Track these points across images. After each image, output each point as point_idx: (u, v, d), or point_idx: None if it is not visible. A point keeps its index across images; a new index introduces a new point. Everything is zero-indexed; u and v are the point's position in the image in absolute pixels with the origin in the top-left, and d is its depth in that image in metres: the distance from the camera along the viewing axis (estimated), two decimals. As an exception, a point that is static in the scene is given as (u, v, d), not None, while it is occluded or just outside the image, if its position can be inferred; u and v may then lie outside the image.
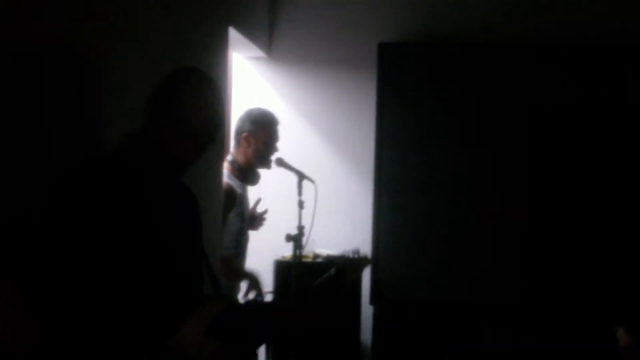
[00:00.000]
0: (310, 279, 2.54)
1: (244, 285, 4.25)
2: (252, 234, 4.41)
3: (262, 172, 4.35)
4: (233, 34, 4.42)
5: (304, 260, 4.55)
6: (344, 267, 3.43)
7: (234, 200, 4.12)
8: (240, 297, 4.21)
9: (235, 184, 4.19)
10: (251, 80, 5.47)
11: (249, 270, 4.26)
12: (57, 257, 1.98)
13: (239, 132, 4.29)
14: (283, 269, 4.67)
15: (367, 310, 5.06)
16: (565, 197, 4.93)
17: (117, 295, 2.01)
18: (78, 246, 1.99)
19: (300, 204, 3.93)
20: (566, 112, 4.95)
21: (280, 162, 4.19)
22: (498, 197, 4.98)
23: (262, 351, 4.66)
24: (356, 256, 3.70)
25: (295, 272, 3.77)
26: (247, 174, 4.27)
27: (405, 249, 5.02)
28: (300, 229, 3.77)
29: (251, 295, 4.17)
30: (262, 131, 4.27)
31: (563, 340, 4.83)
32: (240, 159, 4.27)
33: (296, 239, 3.73)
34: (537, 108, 4.96)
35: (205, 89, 2.26)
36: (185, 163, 2.30)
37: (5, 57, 2.01)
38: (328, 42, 5.42)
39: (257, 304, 2.63)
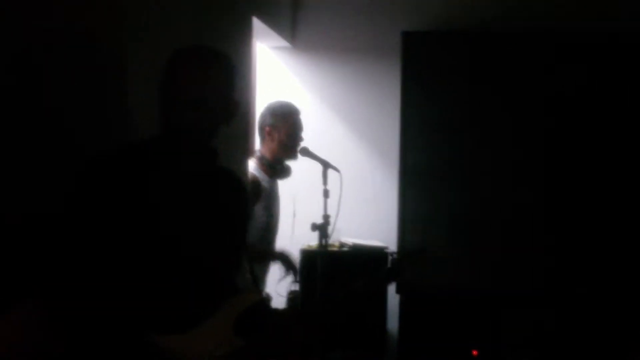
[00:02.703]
0: (349, 280, 2.46)
1: (274, 271, 4.27)
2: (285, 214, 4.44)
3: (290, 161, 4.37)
4: (257, 23, 4.42)
5: (330, 249, 4.55)
6: (399, 262, 3.34)
7: (260, 193, 4.13)
8: (276, 283, 4.22)
9: (262, 177, 4.20)
10: (275, 70, 5.48)
11: (279, 250, 4.28)
12: (74, 249, 1.98)
13: (261, 127, 4.31)
14: (309, 258, 4.67)
15: (393, 299, 5.06)
16: (588, 183, 4.92)
17: (135, 284, 2.01)
18: (91, 238, 1.98)
19: (326, 193, 3.92)
20: (587, 101, 4.92)
21: (305, 152, 4.18)
22: (525, 185, 4.96)
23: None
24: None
25: (322, 261, 3.77)
26: (275, 168, 4.28)
27: (431, 237, 5.00)
28: (326, 218, 3.76)
29: (287, 281, 4.19)
30: (283, 123, 4.28)
31: (581, 323, 4.83)
32: (267, 153, 4.29)
33: (322, 228, 3.73)
34: (560, 96, 4.94)
35: (195, 64, 2.15)
36: (196, 137, 2.17)
37: (25, 49, 2.03)
38: (351, 31, 5.42)
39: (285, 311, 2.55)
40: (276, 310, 2.47)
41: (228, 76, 2.20)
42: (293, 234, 4.52)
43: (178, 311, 2.06)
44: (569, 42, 4.96)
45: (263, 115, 4.34)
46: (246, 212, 2.43)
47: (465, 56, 5.04)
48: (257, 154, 4.31)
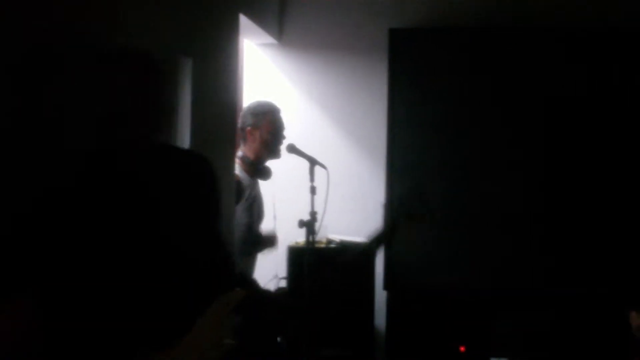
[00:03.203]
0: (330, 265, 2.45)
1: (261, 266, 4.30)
2: (266, 215, 4.45)
3: (274, 160, 4.38)
4: (243, 20, 4.42)
5: (318, 245, 4.55)
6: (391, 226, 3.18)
7: (241, 192, 4.14)
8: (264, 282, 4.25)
9: (244, 177, 4.21)
10: (262, 67, 5.47)
11: (266, 233, 4.32)
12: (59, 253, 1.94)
13: (242, 128, 4.34)
14: (297, 254, 4.68)
15: (381, 295, 5.06)
16: (579, 181, 4.92)
17: (122, 291, 1.98)
18: (71, 247, 1.95)
19: (313, 190, 3.93)
20: (578, 97, 4.93)
21: (292, 149, 4.19)
22: (511, 181, 4.97)
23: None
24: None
25: (309, 257, 3.77)
26: (257, 168, 4.31)
27: (419, 234, 5.01)
28: (313, 214, 3.77)
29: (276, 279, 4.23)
30: (264, 121, 4.31)
31: (577, 324, 4.84)
32: (249, 153, 4.31)
33: (309, 225, 3.73)
34: (549, 92, 4.95)
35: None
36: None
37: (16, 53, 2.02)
38: (339, 28, 5.41)
39: (273, 296, 2.53)
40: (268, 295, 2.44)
41: (158, 83, 2.11)
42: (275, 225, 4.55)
43: (164, 326, 2.02)
44: (560, 37, 4.96)
45: (243, 116, 4.37)
46: (212, 196, 2.32)
47: (453, 53, 5.05)
48: (240, 153, 4.32)
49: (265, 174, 4.35)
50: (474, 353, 4.93)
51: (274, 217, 4.55)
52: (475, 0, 5.23)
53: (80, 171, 2.02)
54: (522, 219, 4.97)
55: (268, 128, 4.31)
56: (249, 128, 4.31)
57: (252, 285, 2.37)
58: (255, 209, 4.30)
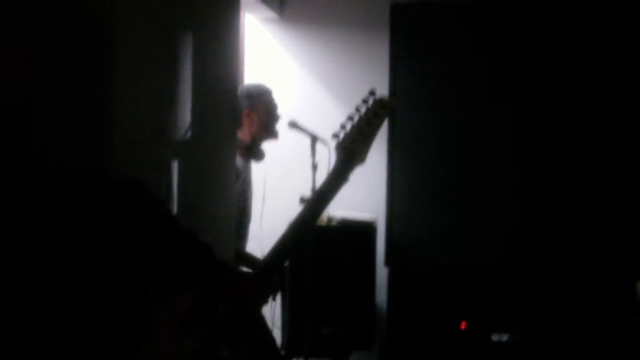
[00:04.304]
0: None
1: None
2: (268, 195, 4.42)
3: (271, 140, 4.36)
4: (244, -6, 4.37)
5: (319, 223, 4.53)
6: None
7: (237, 175, 4.12)
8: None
9: (238, 160, 4.18)
10: (263, 41, 5.43)
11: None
12: None
13: (238, 112, 4.30)
14: (297, 231, 4.65)
15: (382, 272, 5.05)
16: (581, 153, 4.89)
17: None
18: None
19: (314, 167, 3.91)
20: (579, 70, 4.89)
21: (293, 125, 4.16)
22: (513, 154, 4.94)
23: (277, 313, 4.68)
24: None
25: (310, 235, 3.75)
26: (252, 150, 4.30)
27: (420, 210, 4.99)
28: (314, 191, 3.75)
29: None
30: (260, 102, 4.32)
31: (578, 297, 4.83)
32: (246, 136, 4.29)
33: (310, 202, 3.70)
34: (550, 65, 4.90)
35: None
36: None
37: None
38: (340, 3, 5.38)
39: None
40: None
41: None
42: (262, 218, 4.52)
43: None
44: (566, 9, 4.91)
45: (239, 99, 4.33)
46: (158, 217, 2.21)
47: (454, 27, 5.00)
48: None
49: (259, 155, 4.34)
50: (475, 329, 4.92)
51: (263, 198, 4.53)
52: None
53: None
54: (523, 192, 4.94)
55: (265, 109, 4.30)
56: (245, 110, 4.28)
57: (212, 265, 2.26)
58: (248, 191, 4.29)
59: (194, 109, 3.23)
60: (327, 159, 3.89)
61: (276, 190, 4.67)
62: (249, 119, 4.28)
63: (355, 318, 4.78)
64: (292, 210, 4.49)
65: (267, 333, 4.20)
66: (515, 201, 4.94)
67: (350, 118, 2.27)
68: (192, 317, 2.05)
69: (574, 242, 4.89)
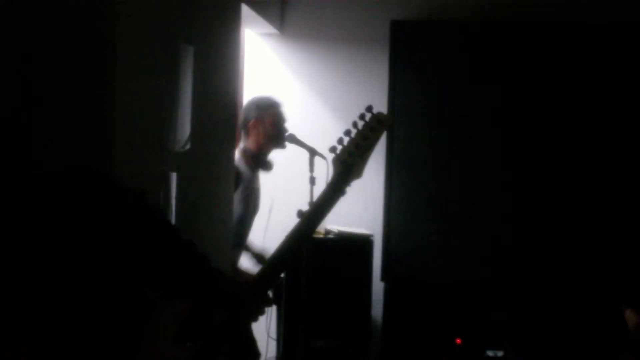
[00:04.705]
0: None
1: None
2: (262, 207, 4.44)
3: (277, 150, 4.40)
4: (245, 9, 4.41)
5: (316, 236, 4.56)
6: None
7: (238, 182, 4.15)
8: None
9: (244, 169, 4.23)
10: (263, 56, 5.47)
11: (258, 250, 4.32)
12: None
13: (246, 122, 4.38)
14: (295, 245, 4.67)
15: (378, 287, 5.07)
16: (578, 175, 4.92)
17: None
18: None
19: (312, 180, 3.94)
20: (578, 91, 4.93)
21: (292, 139, 4.21)
22: (510, 174, 4.97)
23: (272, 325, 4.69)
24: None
25: (307, 248, 3.78)
26: (259, 159, 4.33)
27: (417, 226, 5.01)
28: (311, 203, 3.77)
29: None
30: (268, 113, 4.36)
31: (572, 317, 4.84)
32: (252, 146, 4.34)
33: (308, 215, 3.73)
34: (549, 86, 4.94)
35: None
36: None
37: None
38: (340, 19, 5.40)
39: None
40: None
41: None
42: (267, 228, 4.55)
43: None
44: (564, 31, 4.95)
45: (247, 109, 4.40)
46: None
47: (454, 46, 5.04)
48: (241, 147, 4.34)
49: (267, 165, 4.38)
50: (470, 345, 4.93)
51: (270, 210, 4.56)
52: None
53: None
54: (519, 212, 4.97)
55: (271, 120, 4.35)
56: (252, 121, 4.33)
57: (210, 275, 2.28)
58: (251, 201, 4.31)
59: (193, 121, 3.27)
60: (325, 173, 3.95)
61: (274, 203, 4.69)
62: (256, 129, 4.33)
63: (350, 332, 4.80)
64: (289, 224, 4.53)
65: (252, 345, 4.23)
66: (511, 219, 4.97)
67: (347, 133, 2.30)
68: (189, 323, 2.06)
69: (570, 264, 4.91)
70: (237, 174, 4.17)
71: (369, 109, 2.31)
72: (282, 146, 4.38)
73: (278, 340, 4.71)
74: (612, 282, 4.80)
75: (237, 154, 4.30)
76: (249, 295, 2.19)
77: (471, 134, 5.00)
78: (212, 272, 2.24)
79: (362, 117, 2.32)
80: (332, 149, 2.29)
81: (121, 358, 1.96)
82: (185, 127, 3.21)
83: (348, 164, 2.31)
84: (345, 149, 2.31)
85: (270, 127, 4.35)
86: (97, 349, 1.93)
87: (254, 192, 4.36)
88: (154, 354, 1.99)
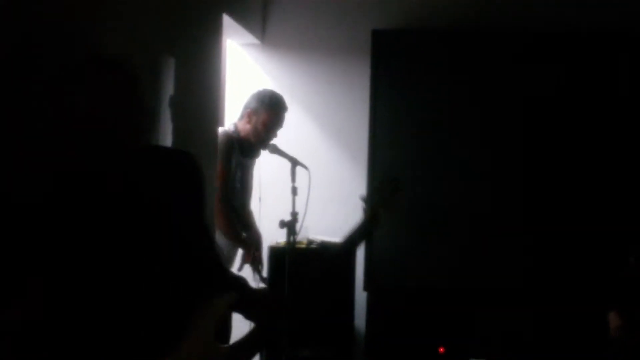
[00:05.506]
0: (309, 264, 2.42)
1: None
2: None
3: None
4: (227, 20, 4.41)
5: (298, 246, 4.56)
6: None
7: (232, 146, 4.28)
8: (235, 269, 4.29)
9: (236, 156, 4.33)
10: (245, 66, 5.47)
11: (249, 235, 4.36)
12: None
13: (245, 107, 4.46)
14: (277, 255, 4.68)
15: (360, 296, 5.07)
16: (559, 180, 4.96)
17: (119, 298, 1.93)
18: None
19: (294, 191, 3.94)
20: (558, 100, 4.96)
21: (274, 149, 4.22)
22: (492, 180, 4.99)
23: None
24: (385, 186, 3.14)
25: (290, 258, 3.77)
26: (243, 145, 4.35)
27: (399, 235, 5.02)
28: (294, 215, 3.78)
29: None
30: (263, 112, 4.40)
31: (556, 324, 4.86)
32: (242, 130, 4.41)
33: (290, 225, 3.74)
34: (529, 95, 4.98)
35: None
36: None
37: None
38: (322, 29, 5.41)
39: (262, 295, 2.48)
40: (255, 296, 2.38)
41: (135, 87, 1.96)
42: (259, 219, 4.58)
43: (157, 334, 1.99)
44: (544, 40, 4.99)
45: (251, 97, 4.49)
46: (202, 194, 2.21)
47: (434, 54, 5.06)
48: (232, 126, 4.44)
49: (252, 152, 4.48)
50: (453, 354, 4.94)
51: (260, 199, 4.58)
52: (457, 2, 5.25)
53: (71, 183, 1.94)
54: (501, 218, 4.99)
55: (264, 119, 4.39)
56: (249, 110, 4.42)
57: (245, 285, 2.33)
58: (245, 168, 4.45)
59: (175, 132, 3.27)
60: (306, 183, 3.96)
61: (255, 214, 4.69)
62: (248, 118, 4.42)
63: (333, 341, 4.80)
64: (271, 234, 4.55)
65: None
66: (496, 227, 4.99)
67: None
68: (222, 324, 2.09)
69: (553, 270, 4.93)
70: (229, 140, 4.28)
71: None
72: (263, 148, 4.42)
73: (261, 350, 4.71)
74: (597, 287, 4.82)
75: (232, 127, 4.42)
76: (282, 307, 2.26)
77: (453, 142, 5.02)
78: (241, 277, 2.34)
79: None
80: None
81: (166, 350, 1.96)
82: (166, 138, 3.21)
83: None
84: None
85: (261, 125, 4.39)
86: (143, 340, 1.95)
87: (248, 180, 4.50)
88: (197, 348, 2.00)
